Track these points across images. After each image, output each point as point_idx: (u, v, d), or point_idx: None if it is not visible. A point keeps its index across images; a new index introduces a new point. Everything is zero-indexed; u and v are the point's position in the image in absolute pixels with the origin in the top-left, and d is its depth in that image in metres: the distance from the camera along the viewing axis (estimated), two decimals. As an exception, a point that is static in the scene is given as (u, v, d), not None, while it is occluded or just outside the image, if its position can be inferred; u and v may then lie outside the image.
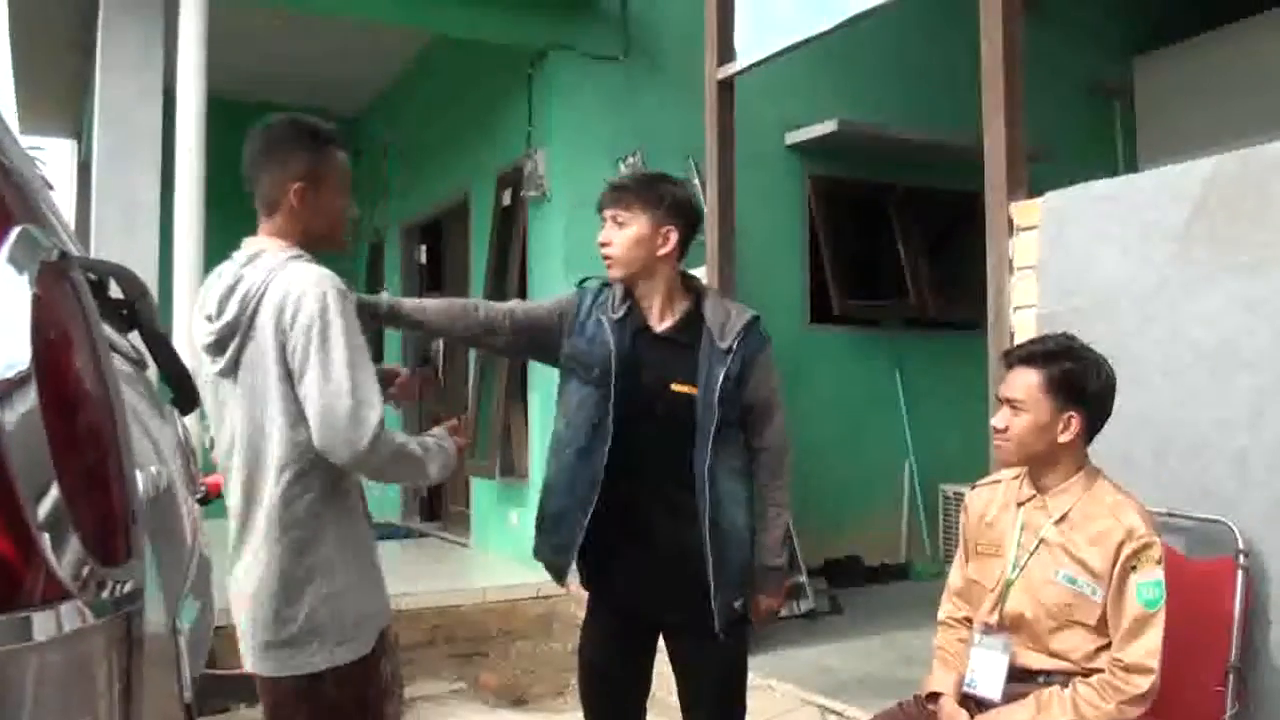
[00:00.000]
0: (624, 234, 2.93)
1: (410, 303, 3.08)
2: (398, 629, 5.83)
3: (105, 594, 0.76)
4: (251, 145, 2.46)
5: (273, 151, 2.43)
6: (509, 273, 7.70)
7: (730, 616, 2.89)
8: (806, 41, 4.82)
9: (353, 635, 2.29)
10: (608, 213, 2.97)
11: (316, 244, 2.46)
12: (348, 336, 2.21)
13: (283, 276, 2.26)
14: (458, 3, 6.64)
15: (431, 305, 3.10)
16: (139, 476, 0.96)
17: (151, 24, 5.93)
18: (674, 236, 2.94)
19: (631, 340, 2.95)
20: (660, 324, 2.97)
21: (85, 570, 0.73)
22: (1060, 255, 3.49)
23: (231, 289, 2.27)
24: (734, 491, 2.91)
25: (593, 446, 2.92)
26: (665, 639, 3.05)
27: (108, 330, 1.13)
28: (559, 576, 3.03)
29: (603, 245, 2.97)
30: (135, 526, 0.85)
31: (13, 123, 8.02)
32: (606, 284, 3.08)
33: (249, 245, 2.41)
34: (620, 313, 2.98)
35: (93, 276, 1.14)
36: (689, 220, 3.00)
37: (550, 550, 3.04)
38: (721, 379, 2.86)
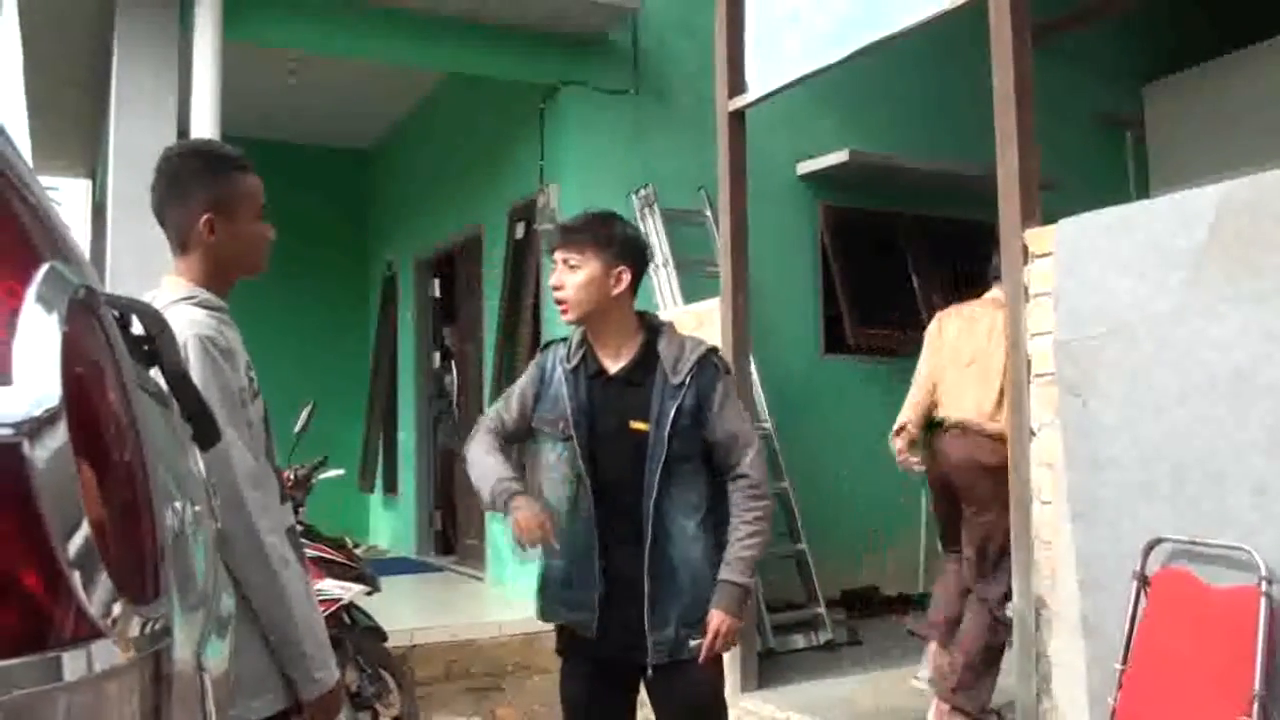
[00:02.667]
0: (575, 277, 2.92)
1: (506, 476, 3.03)
2: (413, 663, 5.86)
3: (136, 632, 0.76)
4: (155, 181, 2.40)
5: (174, 187, 2.36)
6: (522, 306, 7.72)
7: (673, 653, 2.85)
8: (817, 73, 4.85)
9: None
10: (558, 255, 2.97)
11: (233, 272, 2.41)
12: (206, 385, 2.11)
13: None
14: (469, 42, 6.69)
15: (497, 465, 3.07)
16: (166, 513, 0.96)
17: (165, 66, 5.99)
18: (626, 276, 2.95)
19: (588, 386, 2.98)
20: (614, 365, 2.98)
21: (116, 608, 0.73)
22: (1075, 282, 3.48)
23: None
24: (686, 528, 2.88)
25: (578, 499, 2.94)
26: (646, 685, 3.02)
27: (135, 366, 1.13)
28: (585, 630, 2.98)
29: (555, 289, 2.97)
30: (164, 563, 0.85)
31: (28, 159, 8.06)
32: (557, 341, 3.12)
33: (160, 288, 2.37)
34: (575, 360, 3.01)
35: (115, 313, 1.15)
36: (640, 259, 3.03)
37: (566, 610, 3.02)
38: (673, 415, 2.86)
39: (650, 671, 2.90)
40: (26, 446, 0.68)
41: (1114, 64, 8.53)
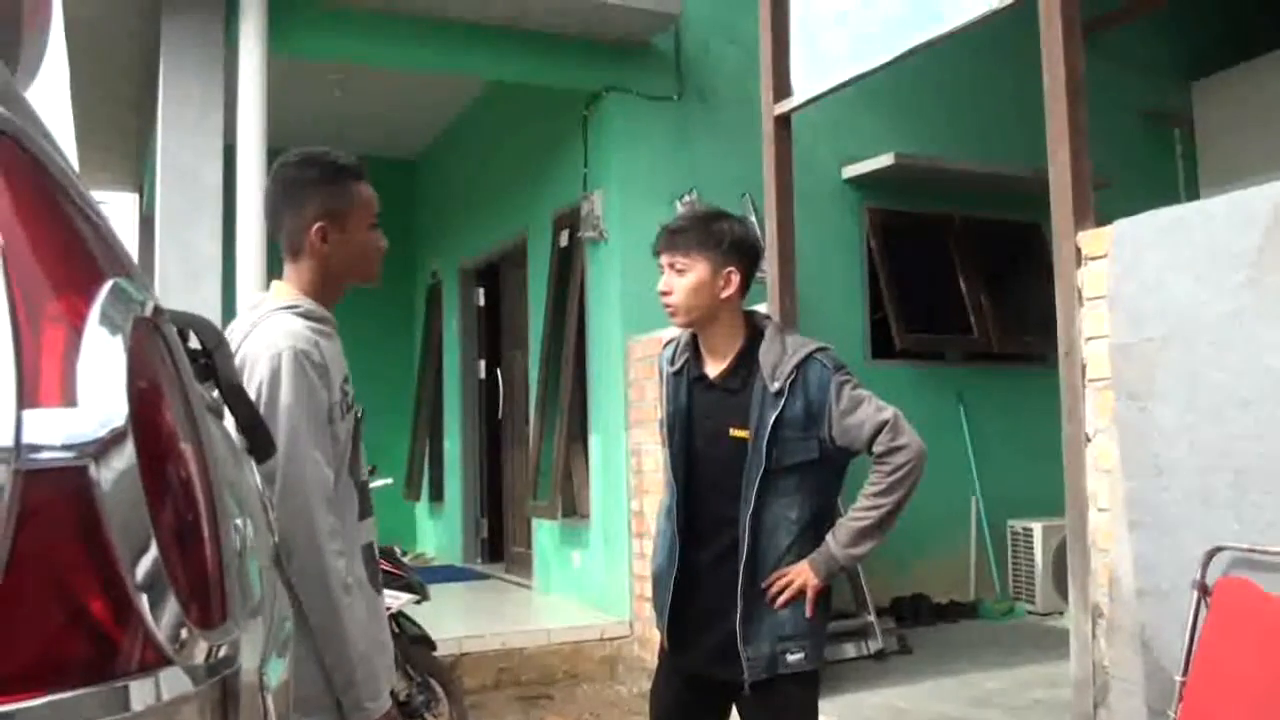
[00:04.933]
0: (684, 281, 2.83)
1: None
2: (462, 671, 5.86)
3: (203, 658, 0.74)
4: (268, 189, 2.42)
5: (289, 194, 2.38)
6: (567, 314, 7.72)
7: (770, 670, 2.77)
8: (862, 76, 4.81)
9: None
10: (665, 259, 2.88)
11: (343, 281, 2.43)
12: (294, 401, 2.14)
13: (254, 334, 2.23)
14: (512, 49, 6.70)
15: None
16: (229, 532, 0.95)
17: (211, 82, 6.03)
18: (736, 278, 2.85)
19: (689, 390, 2.92)
20: (715, 370, 2.90)
21: (184, 633, 0.71)
22: (1132, 284, 3.42)
23: (240, 342, 2.24)
24: (783, 542, 2.79)
25: (672, 505, 2.91)
26: (736, 703, 2.95)
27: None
28: (664, 637, 2.96)
29: (663, 294, 2.88)
30: (230, 585, 0.84)
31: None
32: (671, 340, 3.07)
33: (264, 292, 2.39)
34: (679, 364, 2.95)
35: (174, 328, 1.14)
36: (749, 258, 2.92)
37: (657, 614, 3.00)
38: (772, 424, 2.75)
39: (748, 690, 2.79)
40: (93, 469, 0.67)
41: (1162, 60, 8.41)
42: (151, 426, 0.75)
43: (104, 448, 0.68)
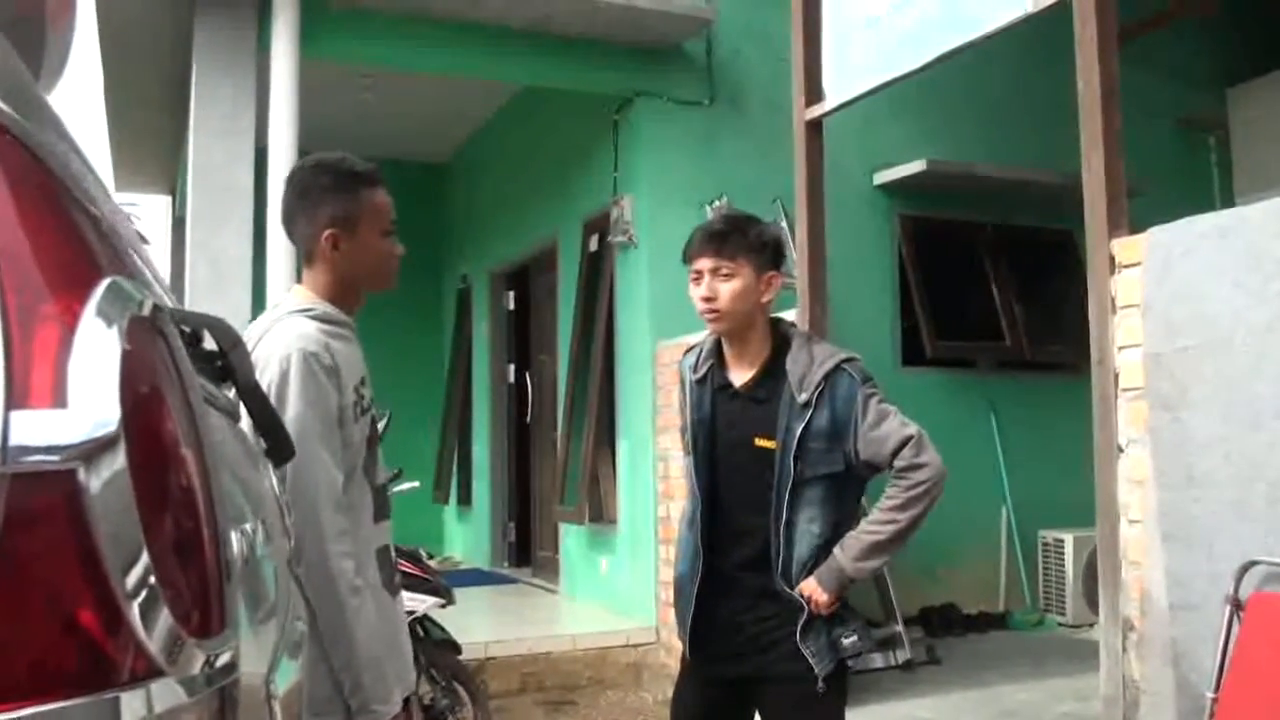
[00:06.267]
0: (730, 286, 2.77)
1: None
2: (487, 675, 5.85)
3: (198, 669, 0.72)
4: (285, 193, 2.43)
5: (303, 199, 2.38)
6: (596, 319, 7.71)
7: (834, 657, 2.73)
8: (894, 82, 4.77)
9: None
10: (706, 264, 2.80)
11: (359, 287, 2.43)
12: (304, 402, 2.15)
13: (268, 336, 2.24)
14: (542, 53, 6.70)
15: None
16: (234, 537, 0.93)
17: (243, 86, 6.06)
18: (777, 282, 2.83)
19: (713, 399, 2.88)
20: (741, 379, 2.86)
21: (178, 644, 0.69)
22: (1167, 292, 3.37)
23: (254, 345, 2.25)
24: (802, 555, 2.75)
25: (694, 514, 2.88)
26: (761, 709, 2.93)
27: (202, 383, 1.10)
28: (685, 646, 2.94)
29: (706, 300, 2.80)
30: (230, 594, 0.82)
31: (109, 179, 8.26)
32: (692, 347, 3.03)
33: (286, 295, 2.40)
34: (702, 371, 2.91)
35: (185, 329, 1.12)
36: (783, 263, 2.90)
37: (678, 623, 2.97)
38: (800, 434, 2.70)
39: (821, 685, 2.74)
40: (82, 473, 0.65)
41: (1197, 66, 8.33)
42: (147, 429, 0.73)
43: (95, 451, 0.66)
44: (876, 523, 2.72)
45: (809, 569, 2.74)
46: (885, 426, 2.72)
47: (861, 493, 2.91)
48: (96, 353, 0.69)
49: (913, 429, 2.73)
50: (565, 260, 8.41)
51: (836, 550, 2.72)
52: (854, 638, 2.76)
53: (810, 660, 2.73)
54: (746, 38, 7.08)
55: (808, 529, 2.75)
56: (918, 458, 2.69)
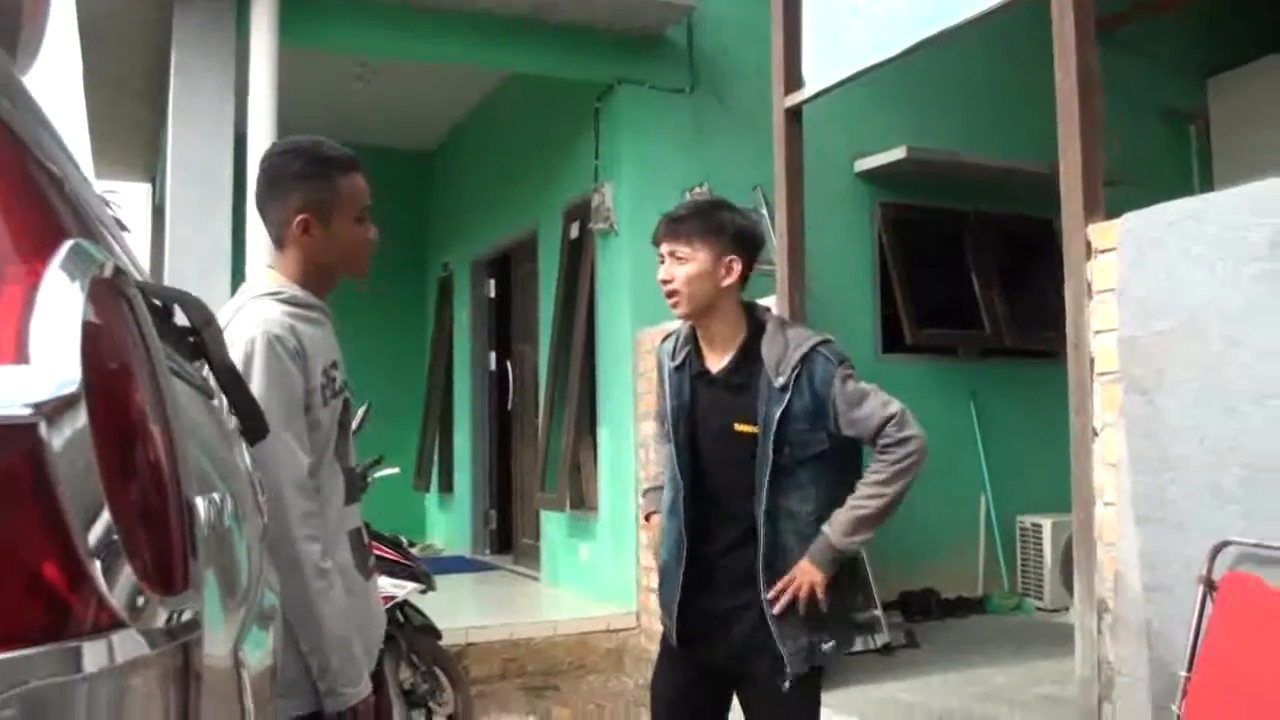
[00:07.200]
0: (685, 269, 2.81)
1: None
2: (469, 661, 5.87)
3: (161, 623, 0.73)
4: (258, 178, 2.41)
5: (275, 184, 2.36)
6: (576, 306, 7.71)
7: (809, 661, 2.76)
8: (874, 68, 4.78)
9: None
10: (665, 248, 2.86)
11: (331, 273, 2.41)
12: (267, 385, 2.14)
13: (236, 319, 2.23)
14: (526, 41, 6.69)
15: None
16: (201, 504, 0.94)
17: (223, 74, 6.04)
18: (737, 267, 2.85)
19: (691, 385, 2.89)
20: (717, 365, 2.88)
21: (140, 599, 0.70)
22: (1141, 277, 3.39)
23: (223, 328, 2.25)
24: (797, 539, 2.77)
25: (675, 501, 2.89)
26: (739, 695, 2.95)
27: (173, 355, 1.11)
28: (669, 634, 2.94)
29: (664, 283, 2.86)
30: (194, 556, 0.82)
31: (88, 166, 8.19)
32: (671, 333, 3.05)
33: (256, 278, 2.39)
34: (680, 358, 2.93)
35: (157, 303, 1.13)
36: (750, 248, 2.91)
37: (663, 610, 2.98)
38: (780, 418, 2.72)
39: (789, 686, 2.77)
40: (44, 429, 0.65)
41: (1178, 56, 8.36)
42: (109, 390, 0.73)
43: (58, 408, 0.66)
44: (863, 498, 2.74)
45: (795, 554, 2.76)
46: (867, 406, 2.74)
47: (859, 469, 2.91)
48: (58, 312, 0.69)
49: (895, 406, 2.75)
50: (546, 248, 8.40)
51: (825, 528, 2.74)
52: (832, 644, 2.79)
53: (786, 659, 2.75)
54: (728, 25, 7.08)
55: (800, 509, 2.77)
56: (901, 432, 2.72)
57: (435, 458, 10.72)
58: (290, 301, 2.29)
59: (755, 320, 2.91)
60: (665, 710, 3.03)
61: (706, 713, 2.99)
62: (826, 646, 2.78)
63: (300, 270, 2.36)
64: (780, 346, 2.80)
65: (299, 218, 2.31)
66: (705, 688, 2.96)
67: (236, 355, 2.13)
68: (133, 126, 8.92)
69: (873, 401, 2.75)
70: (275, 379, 2.17)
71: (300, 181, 2.33)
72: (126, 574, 0.68)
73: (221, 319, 2.26)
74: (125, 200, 10.60)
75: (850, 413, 2.74)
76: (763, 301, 5.47)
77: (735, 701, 2.99)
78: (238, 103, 6.06)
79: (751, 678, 2.85)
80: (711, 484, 2.86)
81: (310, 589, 2.12)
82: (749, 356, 2.83)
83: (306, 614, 2.12)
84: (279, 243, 2.37)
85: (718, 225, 2.85)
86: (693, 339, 2.94)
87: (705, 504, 2.86)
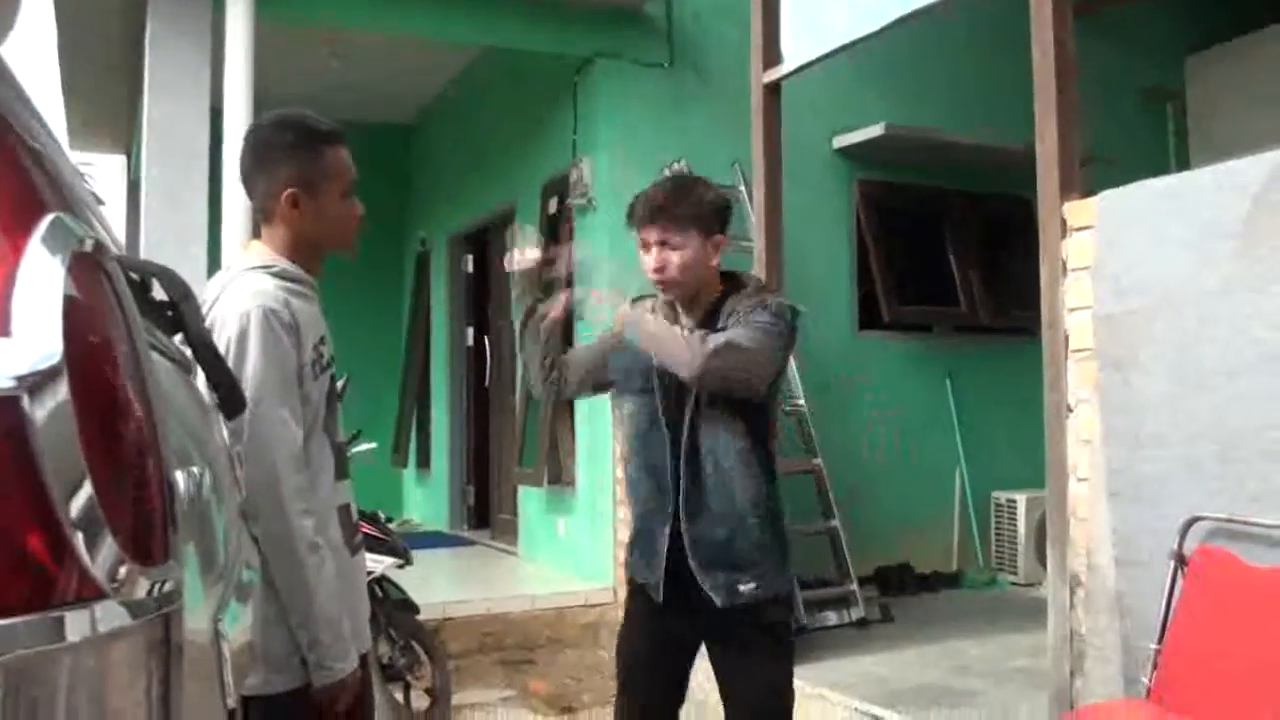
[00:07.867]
0: (680, 257, 2.82)
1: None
2: (446, 636, 5.89)
3: (142, 594, 0.74)
4: (242, 151, 2.38)
5: (263, 157, 2.34)
6: (555, 281, 7.68)
7: (732, 598, 2.76)
8: (853, 44, 4.78)
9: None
10: (653, 235, 2.85)
11: (318, 248, 2.40)
12: (263, 359, 2.13)
13: (226, 292, 2.22)
14: (502, 14, 6.64)
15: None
16: (181, 478, 0.94)
17: (199, 46, 5.97)
18: (722, 243, 2.89)
19: None
20: (687, 322, 2.90)
21: (121, 570, 0.71)
22: (1116, 255, 3.42)
23: (212, 302, 2.24)
24: (731, 473, 2.78)
25: (652, 454, 2.89)
26: (709, 654, 2.96)
27: (151, 328, 1.11)
28: (654, 592, 2.92)
29: (656, 270, 2.85)
30: (174, 528, 0.83)
31: (63, 139, 8.12)
32: (642, 296, 3.05)
33: (242, 252, 2.37)
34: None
35: (135, 276, 1.13)
36: (727, 218, 2.94)
37: (644, 568, 2.96)
38: None
39: (727, 653, 2.82)
40: (26, 401, 0.66)
41: (1157, 36, 8.37)
42: (90, 364, 0.74)
43: (39, 381, 0.67)
44: (675, 330, 2.78)
45: (736, 484, 2.78)
46: (745, 329, 2.73)
47: (776, 402, 2.90)
48: (40, 286, 0.69)
49: (761, 344, 2.72)
50: (524, 223, 8.36)
51: (655, 318, 2.84)
52: (752, 585, 2.77)
53: (710, 592, 2.77)
54: (707, 1, 7.06)
55: (732, 446, 2.78)
56: (740, 351, 2.68)
57: (413, 433, 10.70)
58: (282, 275, 2.28)
59: (736, 282, 2.95)
60: (635, 661, 3.06)
61: (671, 662, 3.02)
62: (744, 588, 2.77)
63: (288, 245, 2.34)
64: (741, 300, 2.83)
65: (287, 191, 2.29)
66: (671, 642, 2.98)
67: (231, 328, 2.13)
68: (109, 99, 8.83)
69: (748, 330, 2.72)
70: (271, 352, 2.16)
71: (289, 155, 2.31)
72: (108, 545, 0.69)
73: (210, 292, 2.26)
74: (101, 174, 10.52)
75: (736, 324, 2.74)
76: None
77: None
78: (213, 76, 6.01)
79: (724, 639, 2.87)
80: (687, 434, 2.83)
81: (304, 565, 2.12)
82: (719, 312, 2.87)
83: (298, 589, 2.12)
84: (266, 217, 2.35)
85: (701, 208, 2.86)
86: (669, 306, 2.97)
87: (684, 453, 2.83)
